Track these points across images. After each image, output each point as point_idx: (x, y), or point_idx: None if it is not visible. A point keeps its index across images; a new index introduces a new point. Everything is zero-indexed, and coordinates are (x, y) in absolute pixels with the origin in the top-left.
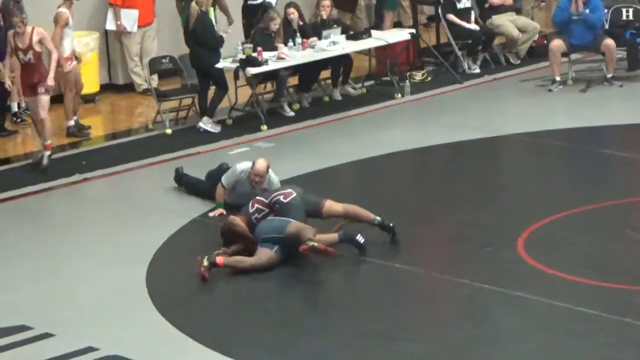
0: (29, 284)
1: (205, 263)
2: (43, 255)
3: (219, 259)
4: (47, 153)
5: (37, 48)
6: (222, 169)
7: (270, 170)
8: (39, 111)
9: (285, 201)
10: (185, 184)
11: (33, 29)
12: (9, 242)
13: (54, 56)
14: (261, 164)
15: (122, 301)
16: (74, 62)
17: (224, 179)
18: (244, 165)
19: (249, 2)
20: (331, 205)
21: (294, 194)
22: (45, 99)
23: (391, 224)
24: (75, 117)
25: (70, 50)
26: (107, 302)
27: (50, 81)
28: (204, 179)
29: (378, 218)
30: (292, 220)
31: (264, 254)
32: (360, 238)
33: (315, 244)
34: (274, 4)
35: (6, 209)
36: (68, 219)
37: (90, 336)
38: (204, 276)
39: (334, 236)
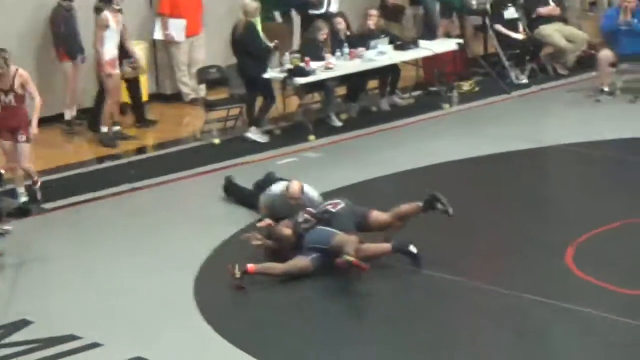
0: (77, 293)
1: (238, 274)
2: (91, 264)
3: (250, 267)
4: (38, 187)
5: (20, 91)
6: (270, 179)
7: (306, 188)
8: (20, 160)
9: (334, 211)
10: (233, 193)
11: (17, 70)
12: (57, 251)
13: (38, 103)
14: (295, 187)
15: (171, 311)
16: (124, 70)
17: (262, 198)
18: (277, 189)
19: (311, 12)
20: (378, 216)
21: (342, 204)
22: (26, 148)
23: (434, 193)
24: (115, 128)
25: (112, 55)
26: (156, 311)
27: (34, 129)
28: (252, 189)
29: (421, 204)
30: (339, 232)
31: (300, 261)
32: (413, 248)
33: (351, 259)
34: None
35: (55, 219)
36: (116, 228)
37: (138, 346)
38: (239, 287)
39: (387, 247)
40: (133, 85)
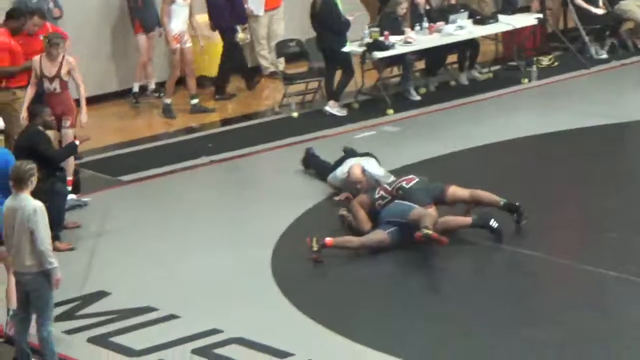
0: (154, 266)
1: (315, 247)
2: (168, 237)
3: (328, 240)
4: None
5: (65, 78)
6: (347, 151)
7: (369, 165)
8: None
9: (407, 186)
10: (313, 165)
11: (64, 57)
12: (134, 224)
13: (82, 90)
14: (355, 171)
15: (247, 283)
16: (185, 45)
17: (329, 179)
18: (342, 172)
19: None
20: (456, 191)
21: (417, 179)
22: (70, 134)
23: (517, 203)
24: (194, 100)
25: (178, 30)
26: (232, 284)
27: (84, 117)
28: (332, 163)
29: (504, 200)
30: (416, 206)
31: (376, 235)
32: (494, 223)
33: (430, 232)
34: None
35: (131, 191)
36: (193, 201)
37: (214, 318)
38: (316, 260)
39: (467, 220)
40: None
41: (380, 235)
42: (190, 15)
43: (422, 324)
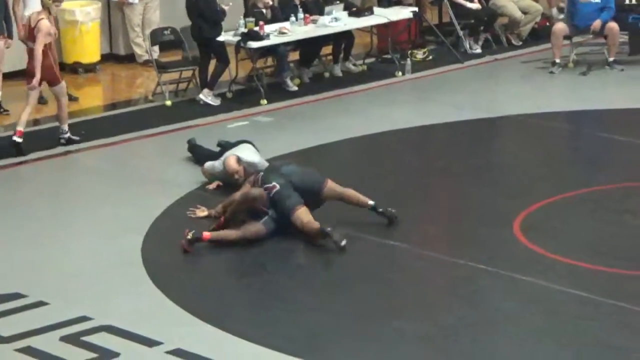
0: (23, 251)
1: (190, 236)
2: (38, 223)
3: (205, 234)
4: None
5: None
6: (222, 145)
7: (243, 154)
8: None
9: (271, 195)
10: (198, 155)
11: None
12: (4, 209)
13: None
14: (230, 162)
15: (117, 271)
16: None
17: (204, 168)
18: (217, 167)
19: None
20: (333, 187)
21: (277, 187)
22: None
23: (381, 209)
24: None
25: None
26: (102, 271)
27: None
28: (213, 151)
29: (372, 202)
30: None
31: (252, 225)
32: (338, 236)
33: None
34: None
35: (2, 176)
36: (65, 187)
37: (84, 305)
38: (186, 250)
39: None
40: None
41: (256, 226)
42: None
43: (294, 314)
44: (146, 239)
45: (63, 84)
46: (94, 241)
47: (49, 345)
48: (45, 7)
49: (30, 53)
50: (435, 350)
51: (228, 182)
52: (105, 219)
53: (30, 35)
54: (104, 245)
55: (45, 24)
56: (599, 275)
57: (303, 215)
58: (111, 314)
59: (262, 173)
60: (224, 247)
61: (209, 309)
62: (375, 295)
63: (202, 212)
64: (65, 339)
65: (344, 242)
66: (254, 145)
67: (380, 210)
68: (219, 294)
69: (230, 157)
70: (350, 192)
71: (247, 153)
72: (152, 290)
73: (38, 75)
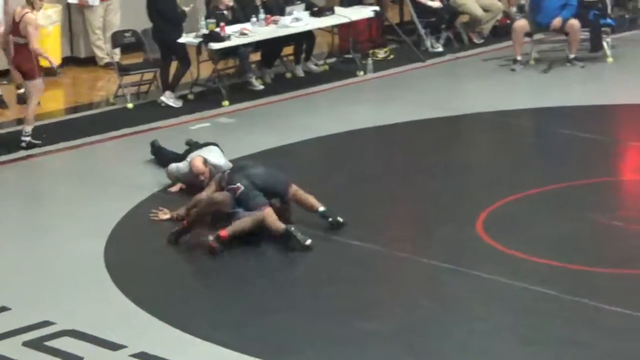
0: None
1: (213, 241)
2: (1, 228)
3: (223, 233)
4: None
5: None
6: (190, 144)
7: (209, 155)
8: None
9: (236, 197)
10: (160, 156)
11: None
12: None
13: None
14: (196, 163)
15: (80, 275)
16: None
17: (168, 170)
18: (185, 166)
19: None
20: (294, 192)
21: (242, 188)
22: None
23: (331, 219)
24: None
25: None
26: (65, 275)
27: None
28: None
29: (322, 208)
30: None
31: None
32: (306, 240)
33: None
34: None
35: None
36: (27, 191)
37: (46, 310)
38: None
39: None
40: None
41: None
42: None
43: (258, 316)
44: (109, 242)
45: (39, 82)
46: (56, 245)
47: (11, 350)
48: (30, 2)
49: (17, 48)
50: (400, 348)
51: (192, 184)
52: (67, 223)
53: (15, 30)
54: (66, 249)
55: (32, 17)
56: (562, 272)
57: (267, 215)
58: (74, 318)
59: (227, 171)
60: (187, 249)
61: (173, 311)
62: (340, 295)
63: (164, 214)
64: (28, 344)
65: (308, 242)
66: (219, 148)
67: (330, 219)
68: (183, 297)
69: (196, 158)
70: (301, 193)
71: (213, 155)
72: (115, 293)
73: (50, 57)
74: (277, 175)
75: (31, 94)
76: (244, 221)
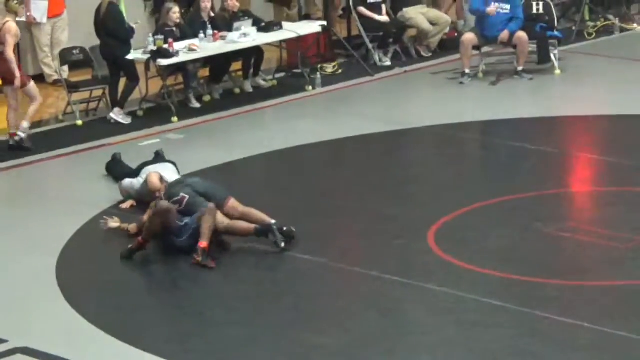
0: None
1: (199, 258)
2: None
3: (202, 244)
4: None
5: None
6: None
7: (166, 175)
8: None
9: (182, 207)
10: (117, 172)
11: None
12: None
13: None
14: (152, 179)
15: (32, 292)
16: None
17: (121, 186)
18: (139, 182)
19: None
20: (236, 206)
21: (187, 197)
22: None
23: (286, 228)
24: None
25: None
26: (16, 292)
27: None
28: (133, 168)
29: (273, 221)
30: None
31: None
32: (278, 235)
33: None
34: None
35: None
36: None
37: None
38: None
39: (250, 227)
40: None
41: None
42: None
43: (207, 329)
44: (60, 258)
45: (31, 85)
46: (7, 263)
47: None
48: (12, 11)
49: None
50: None
51: (144, 201)
52: (18, 240)
53: None
54: (17, 266)
55: (14, 26)
56: (512, 284)
57: (213, 209)
58: (27, 336)
59: (166, 189)
60: (136, 265)
61: (125, 327)
62: (289, 309)
63: (114, 222)
64: None
65: (283, 244)
66: (175, 166)
67: (284, 229)
68: (134, 312)
69: (153, 174)
70: (253, 212)
71: (168, 173)
72: (67, 309)
73: (18, 75)
74: (216, 188)
75: (10, 98)
76: (205, 221)
